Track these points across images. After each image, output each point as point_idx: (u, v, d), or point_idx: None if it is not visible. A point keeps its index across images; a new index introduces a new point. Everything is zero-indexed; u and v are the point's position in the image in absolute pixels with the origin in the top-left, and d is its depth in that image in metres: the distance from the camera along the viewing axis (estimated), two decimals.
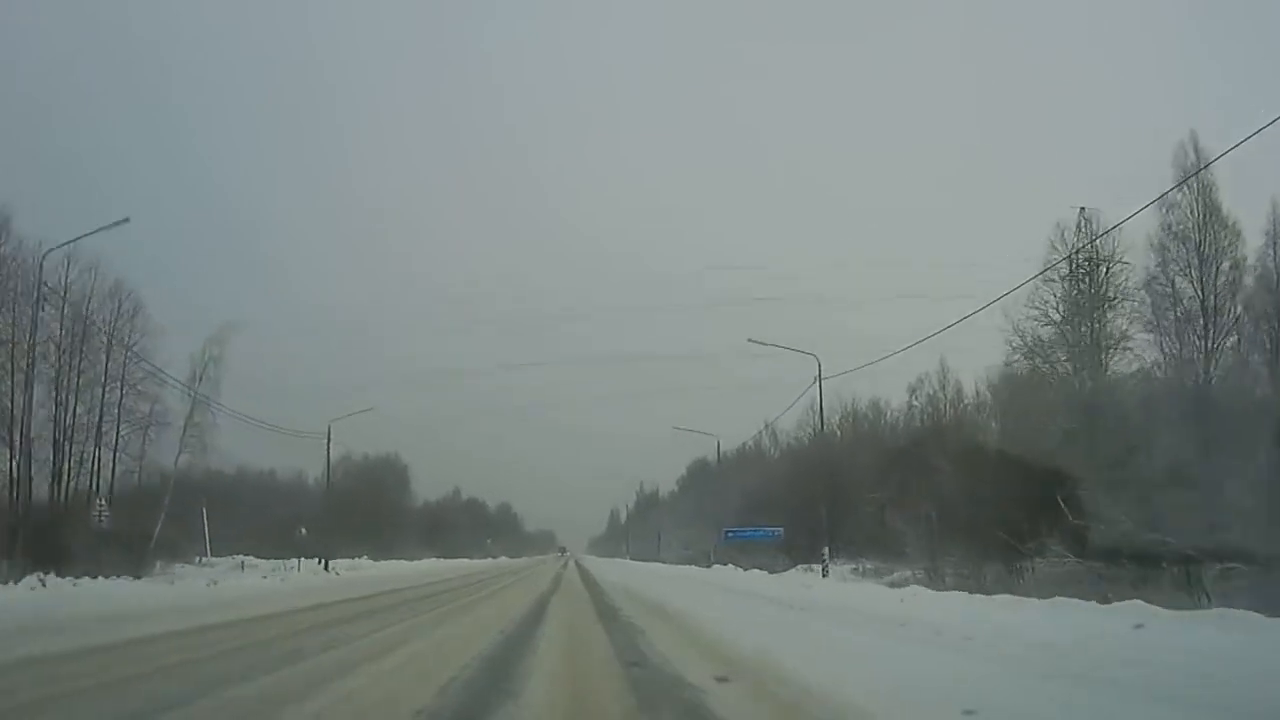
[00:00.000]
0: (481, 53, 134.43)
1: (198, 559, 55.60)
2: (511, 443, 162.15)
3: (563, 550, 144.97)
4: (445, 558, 78.48)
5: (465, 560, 79.03)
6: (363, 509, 78.14)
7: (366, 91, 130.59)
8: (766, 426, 64.05)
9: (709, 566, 40.73)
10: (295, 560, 53.97)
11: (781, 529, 40.95)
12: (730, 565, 39.72)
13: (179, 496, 63.96)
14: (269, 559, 53.05)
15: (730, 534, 41.75)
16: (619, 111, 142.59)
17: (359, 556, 63.04)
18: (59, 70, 78.41)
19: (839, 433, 56.58)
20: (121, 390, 37.18)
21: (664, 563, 68.47)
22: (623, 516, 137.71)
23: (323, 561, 46.97)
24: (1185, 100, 61.07)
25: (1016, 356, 32.37)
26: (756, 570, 36.99)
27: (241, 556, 53.79)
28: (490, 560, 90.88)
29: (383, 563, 62.35)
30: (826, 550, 30.63)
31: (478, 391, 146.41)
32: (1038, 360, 31.86)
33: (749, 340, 27.64)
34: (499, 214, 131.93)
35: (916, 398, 58.12)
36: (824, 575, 26.53)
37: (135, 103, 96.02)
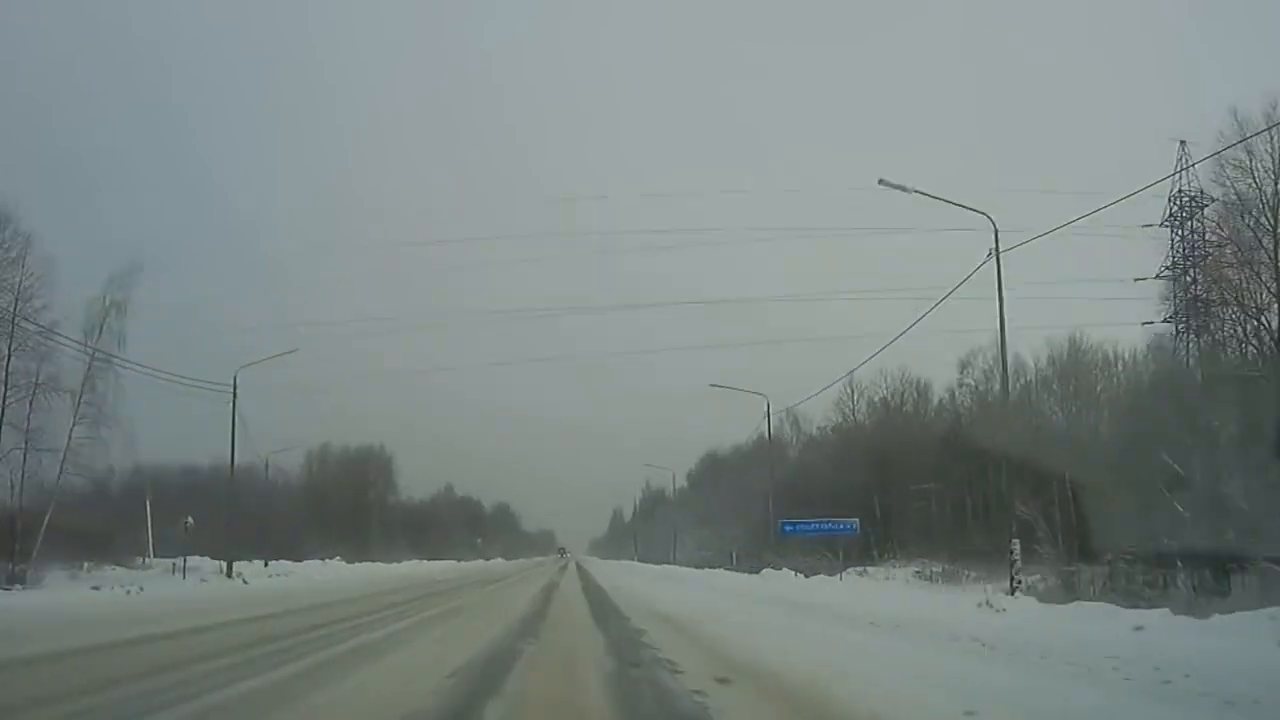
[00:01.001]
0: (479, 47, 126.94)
1: (141, 560, 49.27)
2: (509, 440, 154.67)
3: (562, 551, 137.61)
4: (431, 559, 70.84)
5: (451, 563, 71.22)
6: (338, 505, 70.95)
7: (351, 50, 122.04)
8: (787, 411, 56.29)
9: (758, 572, 32.73)
10: (237, 562, 47.42)
11: (857, 521, 33.26)
12: (785, 569, 31.95)
13: (140, 493, 57.56)
14: (231, 560, 46.66)
15: (789, 528, 33.85)
16: (618, 108, 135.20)
17: (331, 558, 55.73)
18: None
19: (889, 408, 49.26)
20: (10, 347, 29.36)
21: (679, 565, 60.60)
22: (626, 515, 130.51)
23: (226, 566, 38.31)
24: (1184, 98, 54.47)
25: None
26: (822, 576, 29.42)
27: (197, 558, 47.47)
28: (481, 563, 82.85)
29: (356, 565, 54.84)
30: (1015, 547, 18.04)
31: (474, 387, 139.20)
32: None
33: (880, 181, 18.30)
34: (497, 199, 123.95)
35: (968, 374, 50.84)
36: (1013, 591, 17.07)
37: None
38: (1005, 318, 17.96)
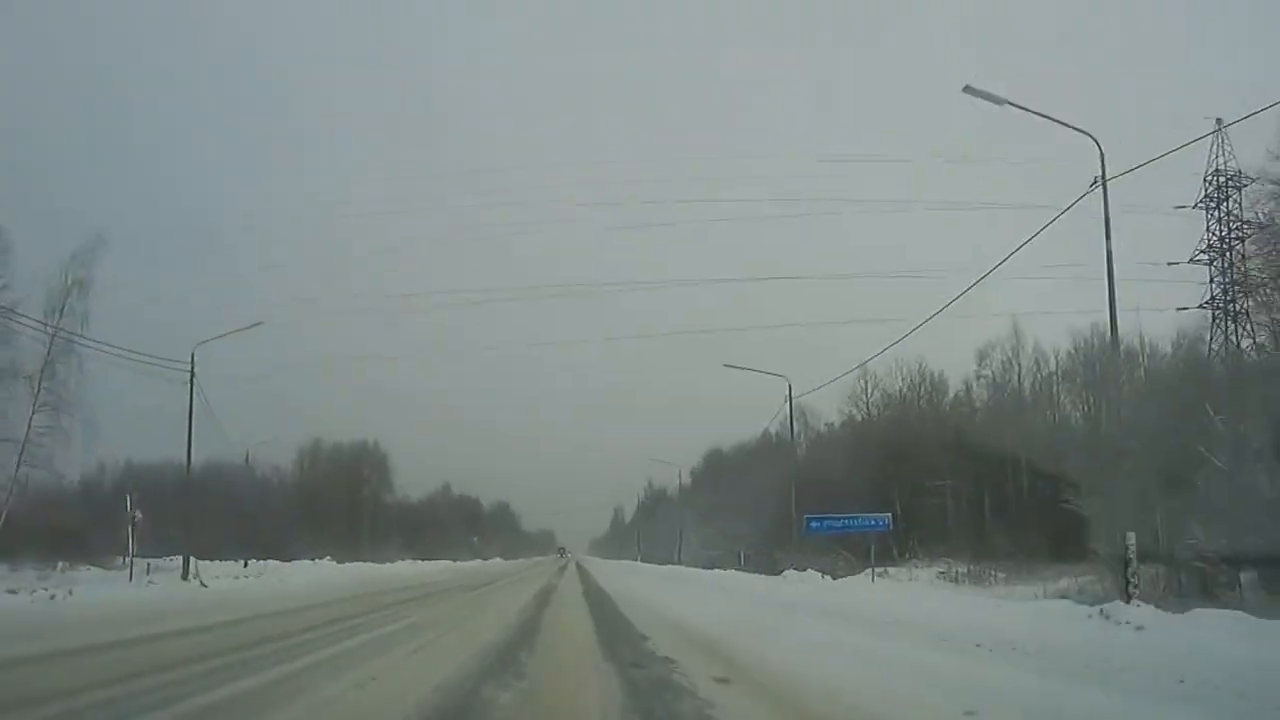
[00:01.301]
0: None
1: (121, 560, 47.31)
2: (509, 439, 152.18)
3: (562, 551, 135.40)
4: (425, 560, 68.58)
5: (446, 563, 68.85)
6: (331, 503, 68.78)
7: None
8: (795, 400, 53.84)
9: (775, 573, 30.22)
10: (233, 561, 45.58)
11: (888, 516, 30.87)
12: (810, 570, 29.52)
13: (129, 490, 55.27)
14: (223, 560, 44.74)
15: (815, 524, 31.26)
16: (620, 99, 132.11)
17: (321, 558, 53.47)
18: None
19: (904, 400, 47.17)
20: None
21: (685, 565, 58.19)
22: (627, 515, 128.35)
23: (185, 565, 34.56)
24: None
25: None
26: (849, 578, 27.14)
27: (178, 558, 45.53)
28: (478, 563, 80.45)
29: (346, 566, 52.59)
30: (1130, 541, 14.02)
31: (473, 386, 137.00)
32: None
33: (966, 89, 15.30)
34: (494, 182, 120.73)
35: (986, 365, 48.78)
36: (1129, 596, 13.63)
37: None
38: (1113, 260, 15.16)
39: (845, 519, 30.82)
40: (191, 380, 30.31)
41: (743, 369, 34.30)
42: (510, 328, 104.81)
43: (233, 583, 31.92)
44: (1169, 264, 39.08)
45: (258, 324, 33.18)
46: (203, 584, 27.81)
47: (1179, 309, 38.19)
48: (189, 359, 31.04)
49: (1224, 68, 57.23)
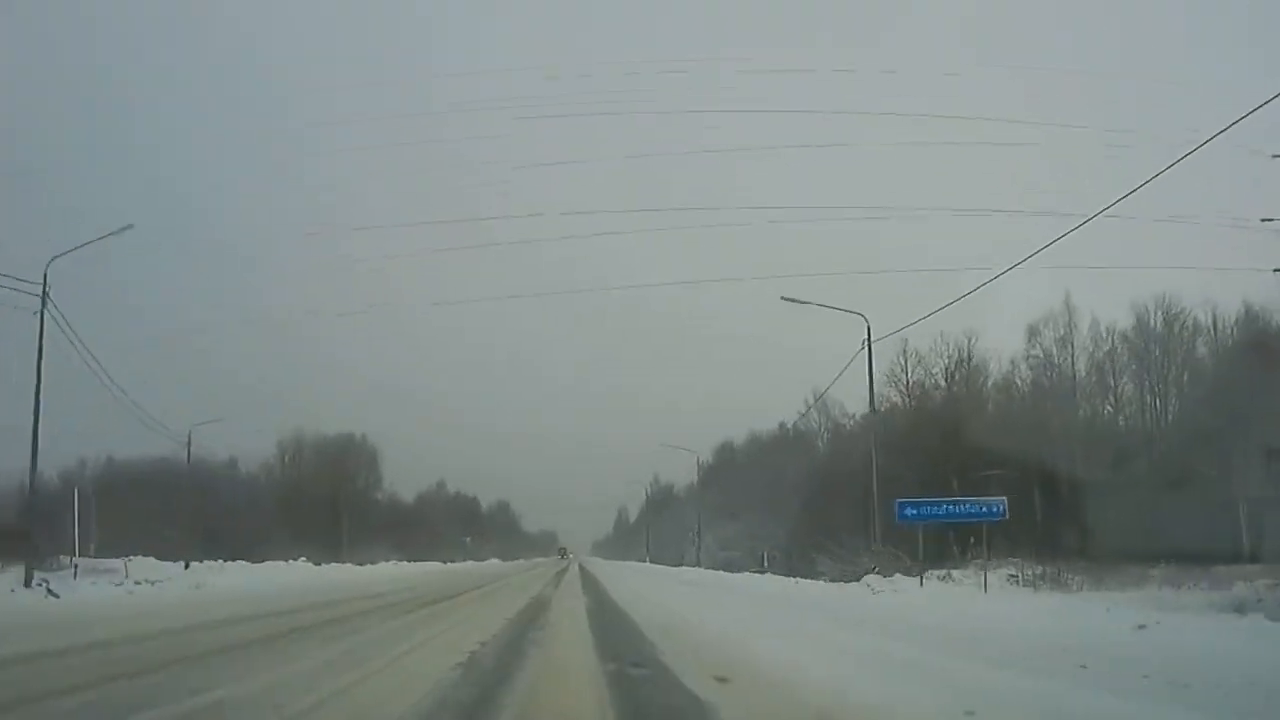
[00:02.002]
0: None
1: (69, 560, 42.95)
2: (509, 436, 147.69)
3: (564, 552, 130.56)
4: (414, 560, 63.79)
5: (434, 565, 63.80)
6: (315, 499, 64.08)
7: None
8: (817, 400, 48.77)
9: (857, 579, 24.39)
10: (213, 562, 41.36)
11: (1004, 500, 25.13)
12: (897, 575, 24.07)
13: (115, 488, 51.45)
14: (177, 560, 40.95)
15: (910, 511, 24.97)
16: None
17: (297, 559, 48.84)
18: None
19: (952, 379, 42.38)
20: None
21: (702, 568, 53.13)
22: (631, 515, 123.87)
23: (27, 570, 26.41)
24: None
25: None
26: (945, 585, 22.05)
27: (139, 558, 41.47)
28: (470, 564, 75.19)
29: (324, 568, 47.94)
30: None
31: (473, 384, 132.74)
32: None
33: None
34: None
35: (1037, 343, 43.91)
36: None
37: None
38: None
39: (948, 504, 25.20)
40: (44, 306, 24.61)
41: (808, 303, 28.48)
42: (513, 322, 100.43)
43: (114, 591, 24.73)
44: (1263, 220, 34.46)
45: (127, 227, 27.61)
46: (51, 593, 21.64)
47: (1276, 270, 33.67)
48: (49, 284, 24.83)
49: (1224, 68, 52.48)
